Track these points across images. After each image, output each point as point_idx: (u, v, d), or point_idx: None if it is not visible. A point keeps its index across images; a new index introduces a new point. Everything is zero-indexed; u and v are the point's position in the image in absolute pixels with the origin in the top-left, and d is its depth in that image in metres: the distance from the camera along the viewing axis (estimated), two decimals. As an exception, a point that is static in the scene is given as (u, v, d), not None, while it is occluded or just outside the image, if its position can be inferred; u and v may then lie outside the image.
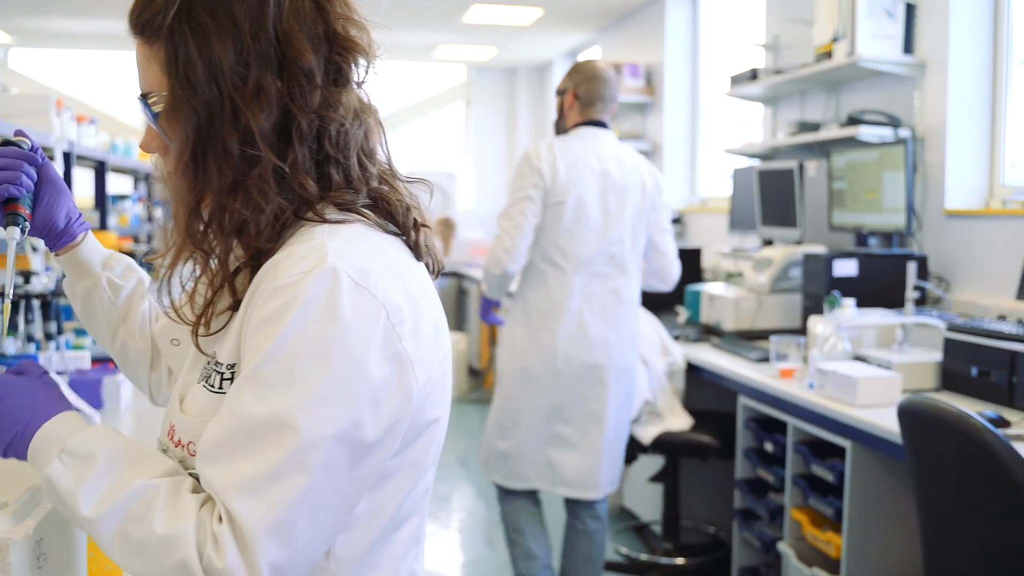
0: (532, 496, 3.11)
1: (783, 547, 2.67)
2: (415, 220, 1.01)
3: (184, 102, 0.91)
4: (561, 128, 3.06)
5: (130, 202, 4.80)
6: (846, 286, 3.01)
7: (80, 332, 2.65)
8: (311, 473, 0.84)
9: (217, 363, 0.95)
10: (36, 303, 2.38)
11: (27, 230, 1.11)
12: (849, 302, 2.77)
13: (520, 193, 2.88)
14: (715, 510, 3.70)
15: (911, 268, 2.82)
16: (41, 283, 2.44)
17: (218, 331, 0.98)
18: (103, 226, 4.07)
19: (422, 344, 0.93)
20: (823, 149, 3.68)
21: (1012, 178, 3.07)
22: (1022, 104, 3.05)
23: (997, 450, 1.65)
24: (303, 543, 0.85)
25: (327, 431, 0.84)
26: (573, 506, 3.06)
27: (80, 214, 1.18)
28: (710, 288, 3.71)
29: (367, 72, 0.99)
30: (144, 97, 0.96)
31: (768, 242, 3.90)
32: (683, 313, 3.86)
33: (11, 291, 1.07)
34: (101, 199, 4.12)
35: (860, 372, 2.41)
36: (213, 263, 0.96)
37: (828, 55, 3.37)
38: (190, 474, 0.92)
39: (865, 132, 3.21)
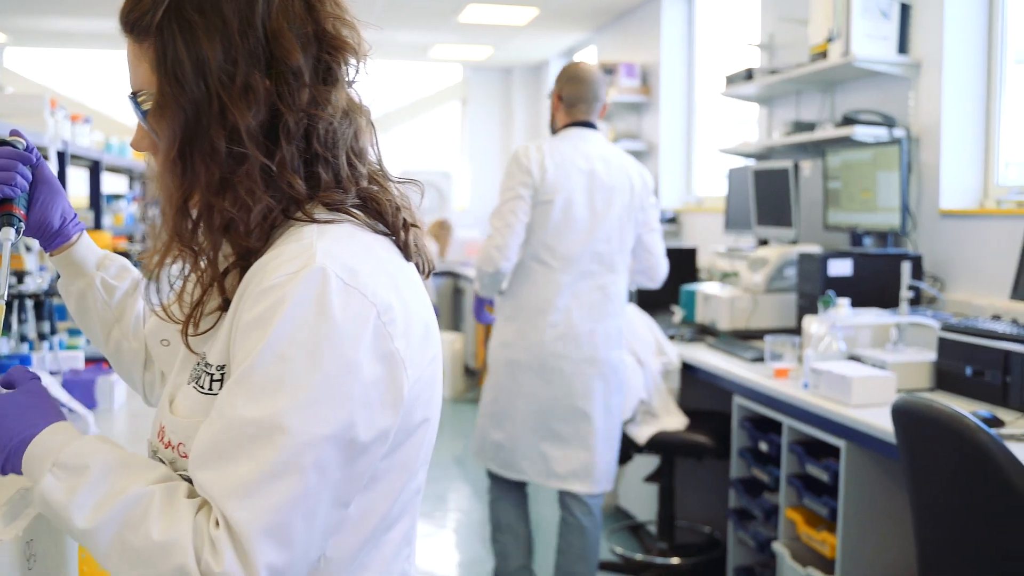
0: (521, 492, 3.13)
1: (778, 547, 2.67)
2: (405, 220, 1.01)
3: (172, 100, 0.91)
4: (553, 130, 3.11)
5: (125, 202, 4.78)
6: (841, 286, 3.02)
7: (74, 332, 2.65)
8: (305, 474, 0.84)
9: (207, 364, 0.95)
10: (30, 303, 2.37)
11: (22, 230, 1.10)
12: (844, 302, 2.78)
13: (510, 192, 2.91)
14: (710, 510, 3.70)
15: (906, 268, 2.83)
16: (35, 283, 2.43)
17: (207, 331, 0.97)
18: (98, 226, 4.06)
19: (413, 344, 0.92)
20: (818, 149, 3.69)
21: (1006, 178, 3.08)
22: (1017, 104, 3.05)
23: (991, 450, 1.65)
24: (300, 544, 0.85)
25: (320, 432, 0.84)
26: (566, 501, 3.06)
27: (75, 214, 1.18)
28: (705, 288, 3.72)
29: (358, 72, 0.99)
30: (134, 95, 0.96)
31: (763, 242, 3.91)
32: (678, 313, 3.86)
33: (5, 291, 1.07)
34: (96, 199, 4.10)
35: (855, 372, 2.41)
36: (203, 262, 0.96)
37: (823, 55, 3.37)
38: (182, 476, 0.92)
39: (860, 132, 3.21)
